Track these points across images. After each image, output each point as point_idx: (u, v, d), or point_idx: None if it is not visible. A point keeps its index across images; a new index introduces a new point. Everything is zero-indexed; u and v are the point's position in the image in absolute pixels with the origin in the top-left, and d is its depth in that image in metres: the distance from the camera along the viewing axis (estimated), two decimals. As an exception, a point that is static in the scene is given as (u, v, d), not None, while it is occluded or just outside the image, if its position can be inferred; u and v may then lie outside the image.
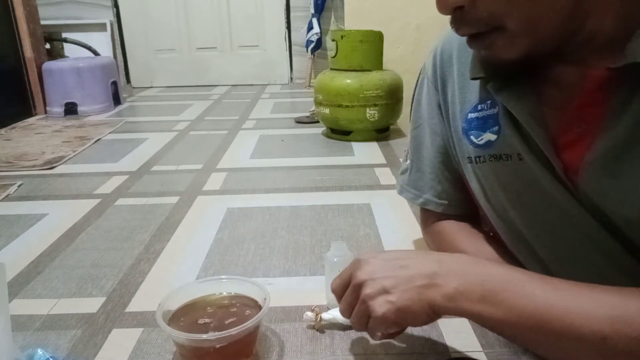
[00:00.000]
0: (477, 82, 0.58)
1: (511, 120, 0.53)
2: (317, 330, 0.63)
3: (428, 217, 0.72)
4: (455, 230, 0.68)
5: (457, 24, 0.48)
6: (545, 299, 0.42)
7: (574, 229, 0.51)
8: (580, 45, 0.46)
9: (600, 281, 0.51)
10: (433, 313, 0.47)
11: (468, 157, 0.60)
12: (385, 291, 0.48)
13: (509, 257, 0.59)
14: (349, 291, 0.52)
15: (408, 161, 0.73)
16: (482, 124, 0.57)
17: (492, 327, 0.45)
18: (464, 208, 0.69)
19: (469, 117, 0.59)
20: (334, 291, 0.55)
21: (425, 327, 0.61)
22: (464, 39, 0.61)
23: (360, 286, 0.50)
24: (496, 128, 0.55)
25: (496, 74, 0.53)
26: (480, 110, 0.58)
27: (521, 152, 0.53)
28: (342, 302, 0.53)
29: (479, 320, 0.45)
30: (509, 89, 0.52)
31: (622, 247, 0.48)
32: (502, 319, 0.43)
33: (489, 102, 0.57)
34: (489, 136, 0.56)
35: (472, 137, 0.59)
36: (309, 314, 0.64)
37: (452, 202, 0.68)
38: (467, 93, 0.60)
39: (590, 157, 0.47)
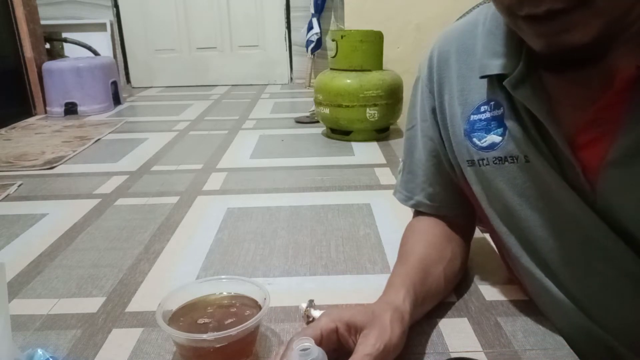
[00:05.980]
0: (480, 82, 0.57)
1: (518, 121, 0.52)
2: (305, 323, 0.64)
3: (417, 213, 0.74)
4: (414, 229, 0.70)
5: None
6: None
7: (582, 233, 0.50)
8: (622, 32, 0.42)
9: (604, 286, 0.51)
10: None
11: (469, 160, 0.59)
12: None
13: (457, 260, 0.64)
14: None
15: (402, 162, 0.73)
16: (486, 126, 0.56)
17: None
18: (456, 209, 0.69)
19: (471, 119, 0.58)
20: None
21: (425, 327, 0.61)
22: (463, 40, 0.60)
23: None
24: (501, 130, 0.55)
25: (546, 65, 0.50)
26: (483, 112, 0.57)
27: (528, 154, 0.52)
28: None
29: None
30: (524, 87, 0.50)
31: (633, 253, 0.48)
32: None
33: (492, 103, 0.56)
34: (494, 138, 0.56)
35: (474, 139, 0.58)
36: (303, 305, 0.65)
37: (443, 204, 0.68)
38: (468, 95, 0.59)
39: (611, 156, 0.46)
